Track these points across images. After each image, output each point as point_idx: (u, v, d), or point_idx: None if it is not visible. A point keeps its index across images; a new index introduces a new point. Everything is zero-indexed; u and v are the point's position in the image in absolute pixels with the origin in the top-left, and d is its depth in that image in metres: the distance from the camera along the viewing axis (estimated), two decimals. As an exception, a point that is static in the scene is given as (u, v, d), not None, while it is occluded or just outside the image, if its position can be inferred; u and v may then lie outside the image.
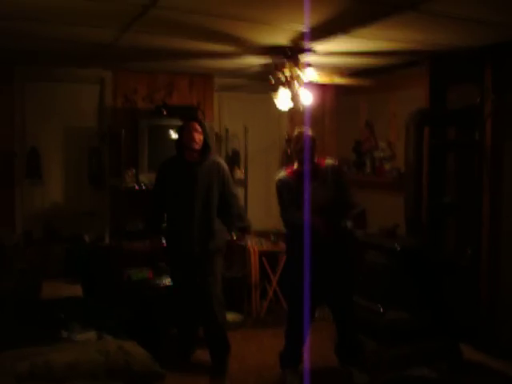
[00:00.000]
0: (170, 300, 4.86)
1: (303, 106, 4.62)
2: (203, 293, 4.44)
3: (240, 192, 5.09)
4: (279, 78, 4.43)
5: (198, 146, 4.36)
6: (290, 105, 4.52)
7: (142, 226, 5.17)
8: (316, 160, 4.28)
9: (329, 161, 4.37)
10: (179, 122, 5.48)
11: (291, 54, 4.31)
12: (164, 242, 4.66)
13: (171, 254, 4.59)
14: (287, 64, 4.35)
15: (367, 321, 4.87)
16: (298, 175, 4.20)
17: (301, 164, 4.22)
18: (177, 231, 4.44)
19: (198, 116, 4.58)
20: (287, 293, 4.78)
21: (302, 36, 3.87)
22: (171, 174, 4.46)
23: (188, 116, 4.65)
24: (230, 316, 5.32)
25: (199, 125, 4.38)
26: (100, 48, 4.45)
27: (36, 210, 5.55)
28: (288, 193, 4.19)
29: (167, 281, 5.40)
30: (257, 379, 4.42)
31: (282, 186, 4.24)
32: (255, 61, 4.85)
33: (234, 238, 4.94)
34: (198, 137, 4.35)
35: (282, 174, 4.31)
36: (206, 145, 4.42)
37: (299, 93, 4.46)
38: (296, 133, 4.29)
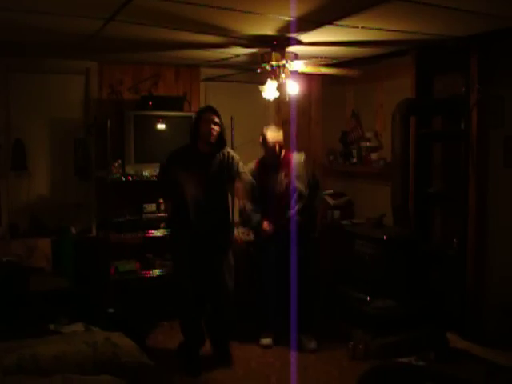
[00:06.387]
0: (170, 290, 4.75)
1: (289, 96, 4.61)
2: (219, 285, 4.41)
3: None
4: (265, 69, 4.41)
5: (214, 139, 4.28)
6: (276, 95, 4.51)
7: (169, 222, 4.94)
8: (283, 154, 4.85)
9: (296, 155, 4.93)
10: (165, 113, 5.52)
11: (277, 44, 4.29)
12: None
13: (181, 244, 4.40)
14: (273, 54, 4.33)
15: (354, 310, 4.90)
16: (262, 166, 4.89)
17: (267, 156, 4.91)
18: (188, 222, 4.29)
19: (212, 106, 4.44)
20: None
21: (288, 26, 3.85)
22: (183, 166, 4.28)
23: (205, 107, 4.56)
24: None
25: (217, 117, 4.29)
26: (85, 38, 4.40)
27: (22, 203, 5.49)
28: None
29: (155, 272, 5.42)
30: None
31: None
32: (241, 51, 4.82)
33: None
34: (216, 129, 4.26)
35: (250, 165, 4.85)
36: (221, 137, 4.34)
37: (285, 83, 4.44)
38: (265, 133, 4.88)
